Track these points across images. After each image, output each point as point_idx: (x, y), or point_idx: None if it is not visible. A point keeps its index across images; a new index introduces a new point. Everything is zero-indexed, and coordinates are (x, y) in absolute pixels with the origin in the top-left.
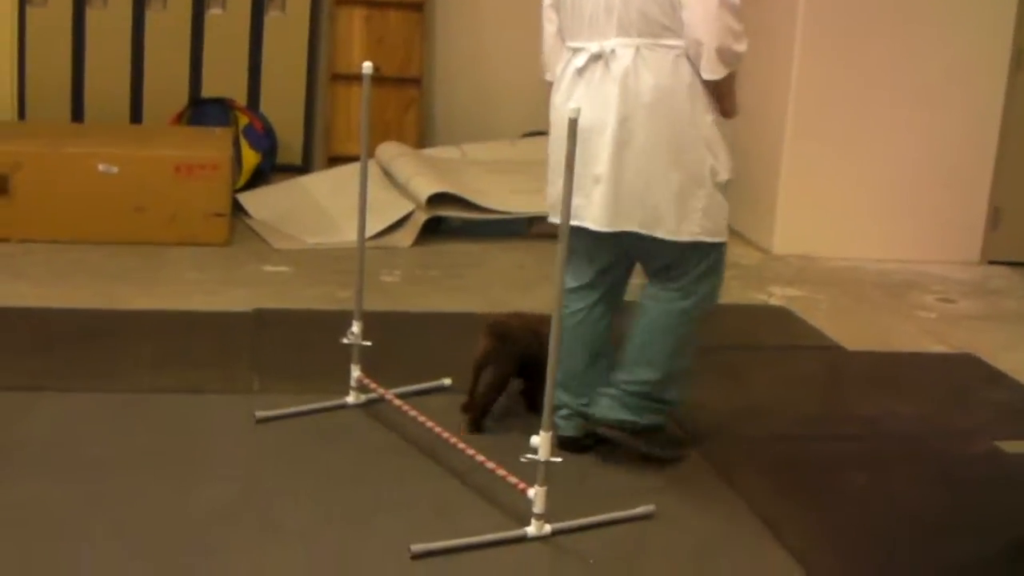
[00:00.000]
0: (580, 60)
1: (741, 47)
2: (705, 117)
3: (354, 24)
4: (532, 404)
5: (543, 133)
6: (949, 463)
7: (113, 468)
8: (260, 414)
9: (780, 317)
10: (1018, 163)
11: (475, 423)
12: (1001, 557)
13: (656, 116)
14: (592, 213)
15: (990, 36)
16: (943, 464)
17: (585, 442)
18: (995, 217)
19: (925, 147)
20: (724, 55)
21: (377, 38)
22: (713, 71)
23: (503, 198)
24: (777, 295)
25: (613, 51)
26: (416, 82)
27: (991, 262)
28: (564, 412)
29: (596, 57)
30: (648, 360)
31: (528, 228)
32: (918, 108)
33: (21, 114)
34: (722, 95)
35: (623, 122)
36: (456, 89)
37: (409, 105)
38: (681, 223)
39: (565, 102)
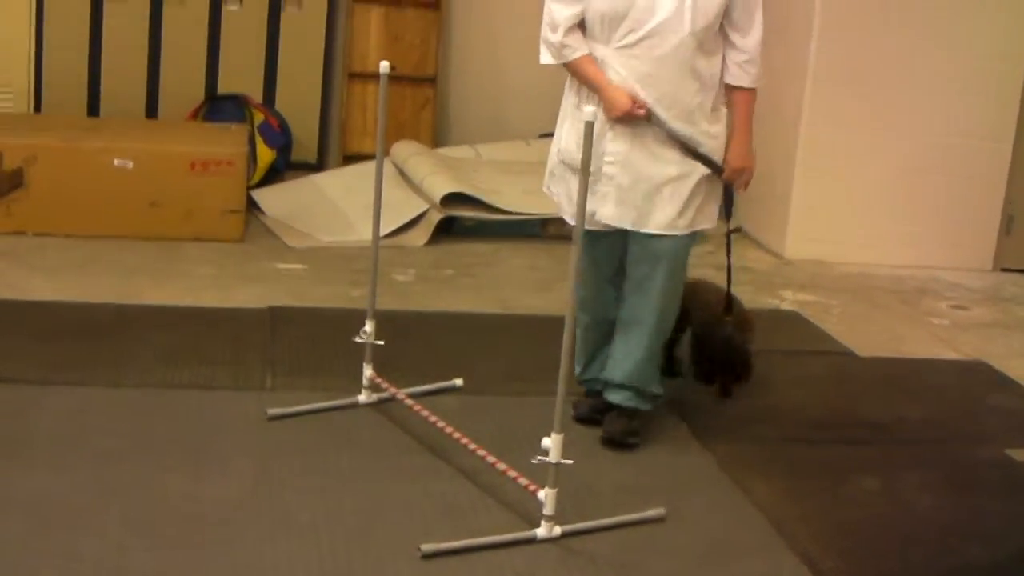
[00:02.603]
0: None
1: (547, 36)
2: (569, 99)
3: (371, 22)
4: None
5: None
6: (959, 470)
7: (125, 461)
8: (272, 411)
9: (792, 322)
10: None
11: None
12: (1010, 563)
13: None
14: None
15: (1005, 38)
16: (953, 470)
17: None
18: (1008, 224)
19: (940, 153)
20: (543, 43)
21: (393, 36)
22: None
23: (517, 199)
24: (789, 300)
25: None
26: (432, 81)
27: (1004, 269)
28: None
29: None
30: None
31: (542, 229)
32: (933, 114)
33: (37, 107)
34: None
35: None
36: (472, 89)
37: (424, 104)
38: None
39: None
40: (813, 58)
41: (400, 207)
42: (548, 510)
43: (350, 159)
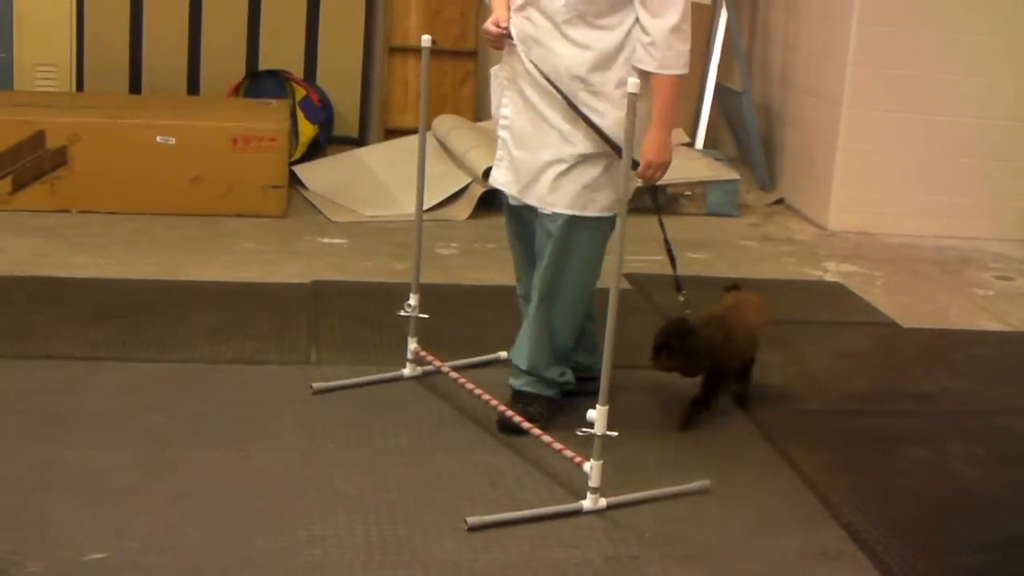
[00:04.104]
0: None
1: None
2: None
3: None
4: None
5: None
6: (1004, 442)
7: (171, 437)
8: (317, 385)
9: (836, 293)
10: None
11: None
12: None
13: None
14: None
15: None
16: (998, 443)
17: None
18: None
19: (983, 123)
20: None
21: (434, 11)
22: None
23: None
24: (832, 271)
25: None
26: (472, 55)
27: None
28: None
29: None
30: None
31: None
32: (976, 83)
33: (80, 86)
34: None
35: None
36: None
37: (465, 78)
38: None
39: None
40: (854, 38)
41: (442, 181)
42: (593, 482)
43: (392, 133)
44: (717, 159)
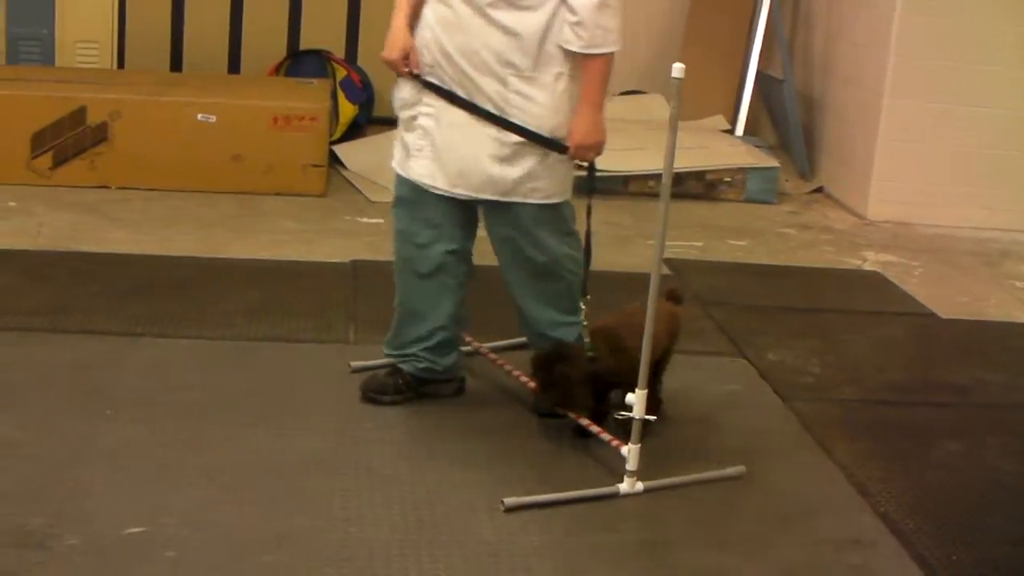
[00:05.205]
0: None
1: None
2: None
3: None
4: None
5: (639, 92)
6: None
7: (209, 414)
8: (356, 364)
9: (874, 283)
10: None
11: None
12: None
13: None
14: None
15: None
16: None
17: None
18: None
19: (1021, 125)
20: None
21: None
22: None
23: None
24: (871, 260)
25: None
26: None
27: None
28: None
29: None
30: None
31: (623, 186)
32: (1019, 74)
33: (121, 63)
34: None
35: None
36: None
37: None
38: None
39: None
40: (896, 28)
41: None
42: (631, 466)
43: None
44: (757, 146)
